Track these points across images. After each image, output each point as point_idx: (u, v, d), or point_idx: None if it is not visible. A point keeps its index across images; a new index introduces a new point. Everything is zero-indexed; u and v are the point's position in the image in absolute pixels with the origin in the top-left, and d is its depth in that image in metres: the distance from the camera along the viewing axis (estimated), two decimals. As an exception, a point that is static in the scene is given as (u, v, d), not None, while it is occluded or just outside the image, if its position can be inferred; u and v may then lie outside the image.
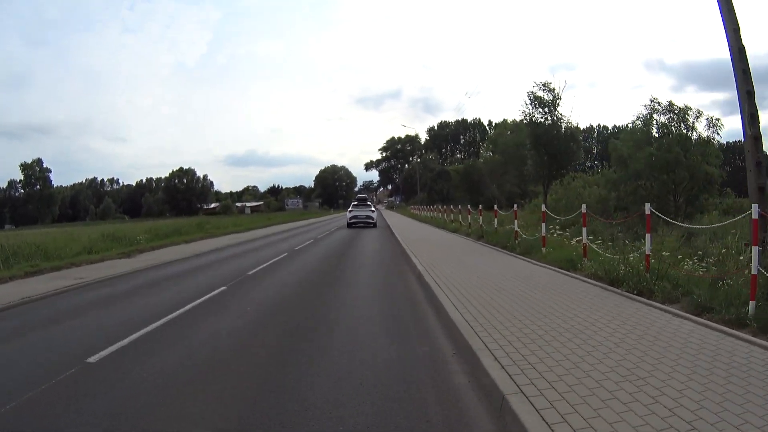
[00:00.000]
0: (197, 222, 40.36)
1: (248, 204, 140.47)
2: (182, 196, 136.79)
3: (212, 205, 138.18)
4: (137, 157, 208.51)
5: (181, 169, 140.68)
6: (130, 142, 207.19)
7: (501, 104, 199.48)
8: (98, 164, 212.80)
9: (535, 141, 23.51)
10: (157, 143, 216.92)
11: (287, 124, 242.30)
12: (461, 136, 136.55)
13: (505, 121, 70.33)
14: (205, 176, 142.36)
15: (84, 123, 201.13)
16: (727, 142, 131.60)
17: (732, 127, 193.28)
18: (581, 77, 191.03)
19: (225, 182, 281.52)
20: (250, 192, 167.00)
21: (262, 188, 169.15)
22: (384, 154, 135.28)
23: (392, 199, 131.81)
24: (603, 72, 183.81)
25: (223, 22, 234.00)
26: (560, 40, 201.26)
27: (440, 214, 35.54)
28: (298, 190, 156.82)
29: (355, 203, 38.28)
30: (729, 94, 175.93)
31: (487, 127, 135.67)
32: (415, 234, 24.38)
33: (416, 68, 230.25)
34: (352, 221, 34.94)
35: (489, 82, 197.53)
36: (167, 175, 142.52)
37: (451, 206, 36.49)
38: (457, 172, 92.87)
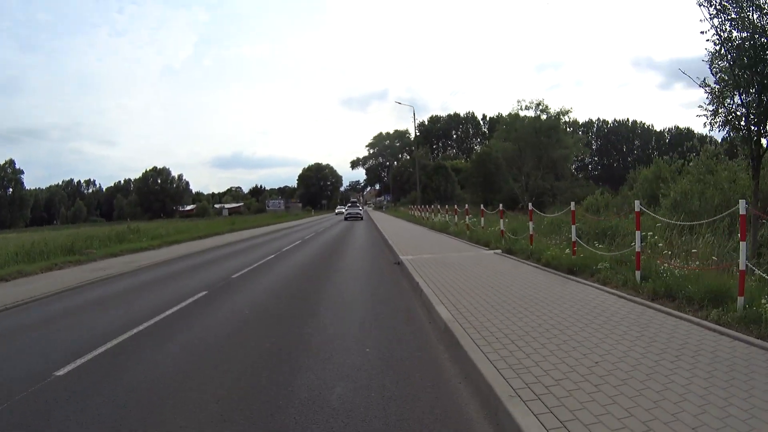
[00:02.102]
0: (119, 231, 26.06)
1: (226, 206, 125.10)
2: (155, 198, 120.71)
3: (188, 207, 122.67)
4: (127, 160, 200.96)
5: (154, 168, 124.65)
6: (119, 145, 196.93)
7: (488, 103, 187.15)
8: (88, 167, 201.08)
9: (755, 61, 8.02)
10: (145, 146, 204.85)
11: (273, 126, 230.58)
12: (453, 132, 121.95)
13: (517, 108, 55.41)
14: (180, 176, 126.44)
15: (74, 126, 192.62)
16: (724, 138, 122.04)
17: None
18: (568, 75, 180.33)
19: (212, 184, 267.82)
20: (232, 193, 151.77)
21: (248, 190, 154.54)
22: (371, 151, 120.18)
23: (381, 198, 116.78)
24: (590, 70, 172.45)
25: (210, 24, 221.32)
26: (547, 38, 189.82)
27: (466, 218, 20.39)
28: (282, 191, 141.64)
29: (349, 205, 56.44)
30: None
31: (481, 122, 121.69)
32: (480, 282, 9.56)
33: (402, 69, 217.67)
34: (347, 216, 47.92)
35: (476, 81, 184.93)
36: (140, 175, 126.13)
37: (466, 206, 22.13)
38: (452, 169, 78.63)
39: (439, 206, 31.99)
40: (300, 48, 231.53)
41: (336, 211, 77.53)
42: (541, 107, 51.93)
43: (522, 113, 52.84)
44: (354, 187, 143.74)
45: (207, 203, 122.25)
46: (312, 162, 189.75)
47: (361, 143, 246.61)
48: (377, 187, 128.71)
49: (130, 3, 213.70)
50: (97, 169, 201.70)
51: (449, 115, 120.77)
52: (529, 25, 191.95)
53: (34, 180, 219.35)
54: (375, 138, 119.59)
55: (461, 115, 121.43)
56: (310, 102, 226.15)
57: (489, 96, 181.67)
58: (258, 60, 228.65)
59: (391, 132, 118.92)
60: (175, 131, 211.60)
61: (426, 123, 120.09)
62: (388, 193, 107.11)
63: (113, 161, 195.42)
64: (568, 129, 52.38)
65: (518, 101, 54.86)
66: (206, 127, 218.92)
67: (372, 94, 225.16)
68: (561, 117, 52.15)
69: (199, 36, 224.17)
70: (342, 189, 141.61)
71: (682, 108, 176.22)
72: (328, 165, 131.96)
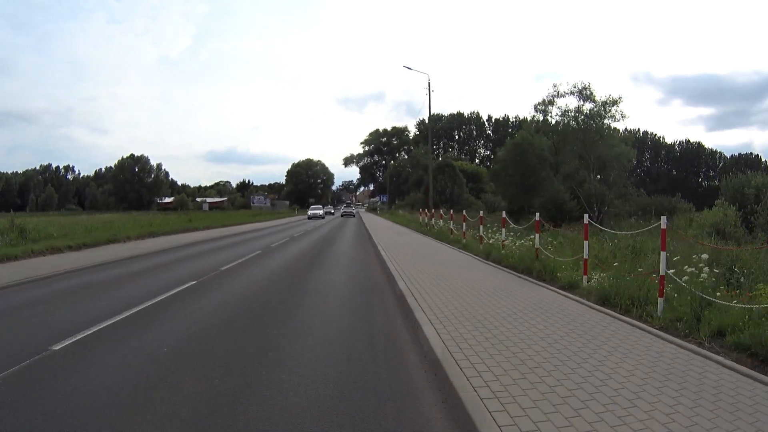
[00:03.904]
0: None
1: (209, 200, 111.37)
2: (131, 188, 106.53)
3: (167, 200, 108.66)
4: (118, 150, 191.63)
5: (131, 155, 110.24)
6: (111, 134, 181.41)
7: (486, 109, 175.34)
8: (79, 155, 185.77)
9: None
10: (138, 136, 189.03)
11: (268, 122, 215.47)
12: (456, 132, 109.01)
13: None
14: (159, 165, 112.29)
15: (66, 112, 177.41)
16: (733, 155, 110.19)
17: (735, 142, 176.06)
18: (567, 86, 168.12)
19: (205, 178, 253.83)
20: (219, 187, 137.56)
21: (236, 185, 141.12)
22: (366, 148, 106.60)
23: (375, 199, 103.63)
24: (590, 82, 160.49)
25: (208, 16, 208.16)
26: (547, 47, 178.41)
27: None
28: (272, 187, 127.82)
29: (344, 206, 72.70)
30: (715, 109, 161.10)
31: (486, 123, 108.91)
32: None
33: (400, 71, 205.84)
34: (342, 215, 56.07)
35: (474, 88, 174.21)
36: (116, 162, 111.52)
37: (505, 216, 9.59)
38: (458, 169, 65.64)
39: (449, 211, 19.50)
40: (298, 45, 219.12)
41: (309, 213, 54.54)
42: (586, 92, 39.00)
43: (558, 101, 39.89)
44: (347, 187, 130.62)
45: (186, 196, 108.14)
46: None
47: (357, 144, 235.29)
48: (371, 187, 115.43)
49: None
50: (89, 157, 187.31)
51: (452, 114, 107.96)
52: (530, 35, 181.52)
53: (23, 165, 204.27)
54: (371, 134, 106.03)
55: (465, 114, 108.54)
56: (307, 100, 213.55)
57: (487, 102, 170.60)
58: (255, 55, 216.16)
59: (389, 129, 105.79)
60: (169, 123, 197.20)
61: (426, 122, 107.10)
62: (383, 194, 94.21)
63: (104, 150, 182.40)
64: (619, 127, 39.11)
65: (554, 85, 41.73)
66: (200, 121, 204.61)
67: (369, 95, 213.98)
68: (608, 108, 39.26)
69: (197, 28, 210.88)
70: (334, 188, 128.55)
71: (679, 125, 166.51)
72: (319, 161, 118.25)
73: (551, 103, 39.87)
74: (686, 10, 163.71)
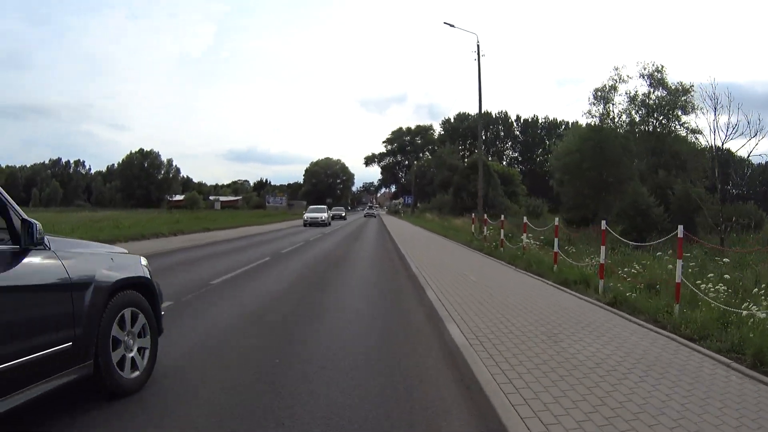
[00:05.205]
0: None
1: (222, 198, 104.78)
2: (139, 184, 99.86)
3: (178, 197, 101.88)
4: (138, 147, 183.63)
5: (140, 150, 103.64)
6: (130, 131, 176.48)
7: (511, 109, 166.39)
8: (97, 151, 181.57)
9: None
10: (158, 133, 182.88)
11: (289, 122, 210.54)
12: (483, 132, 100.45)
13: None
14: (170, 161, 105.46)
15: (85, 108, 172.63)
16: (759, 163, 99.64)
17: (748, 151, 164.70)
18: (588, 92, 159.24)
19: (225, 177, 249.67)
20: (236, 186, 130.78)
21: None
22: (389, 147, 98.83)
23: (397, 201, 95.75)
24: (663, 65, 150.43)
25: (229, 15, 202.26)
26: (568, 54, 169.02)
27: None
28: (290, 187, 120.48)
29: (367, 208, 79.22)
30: (726, 118, 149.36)
31: (515, 123, 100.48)
32: None
33: (422, 74, 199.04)
34: (365, 215, 61.36)
35: (497, 93, 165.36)
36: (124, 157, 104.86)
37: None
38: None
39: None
40: (320, 45, 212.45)
41: (306, 216, 36.85)
42: (658, 76, 30.77)
43: (621, 87, 31.75)
44: (367, 188, 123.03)
45: (198, 194, 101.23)
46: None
47: (378, 147, 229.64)
48: (392, 189, 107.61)
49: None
50: (105, 153, 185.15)
51: (479, 114, 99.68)
52: (551, 41, 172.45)
53: (39, 160, 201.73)
54: (394, 133, 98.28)
55: (492, 114, 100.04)
56: (328, 101, 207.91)
57: (510, 105, 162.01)
58: (276, 54, 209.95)
59: (413, 128, 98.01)
60: (190, 120, 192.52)
61: (452, 120, 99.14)
62: (406, 195, 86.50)
63: (123, 147, 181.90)
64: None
65: (615, 68, 33.37)
66: (221, 119, 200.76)
67: (391, 97, 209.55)
68: (679, 97, 30.99)
69: (217, 26, 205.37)
70: (354, 189, 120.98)
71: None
72: (339, 160, 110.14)
73: (614, 89, 31.71)
74: (705, 18, 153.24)
